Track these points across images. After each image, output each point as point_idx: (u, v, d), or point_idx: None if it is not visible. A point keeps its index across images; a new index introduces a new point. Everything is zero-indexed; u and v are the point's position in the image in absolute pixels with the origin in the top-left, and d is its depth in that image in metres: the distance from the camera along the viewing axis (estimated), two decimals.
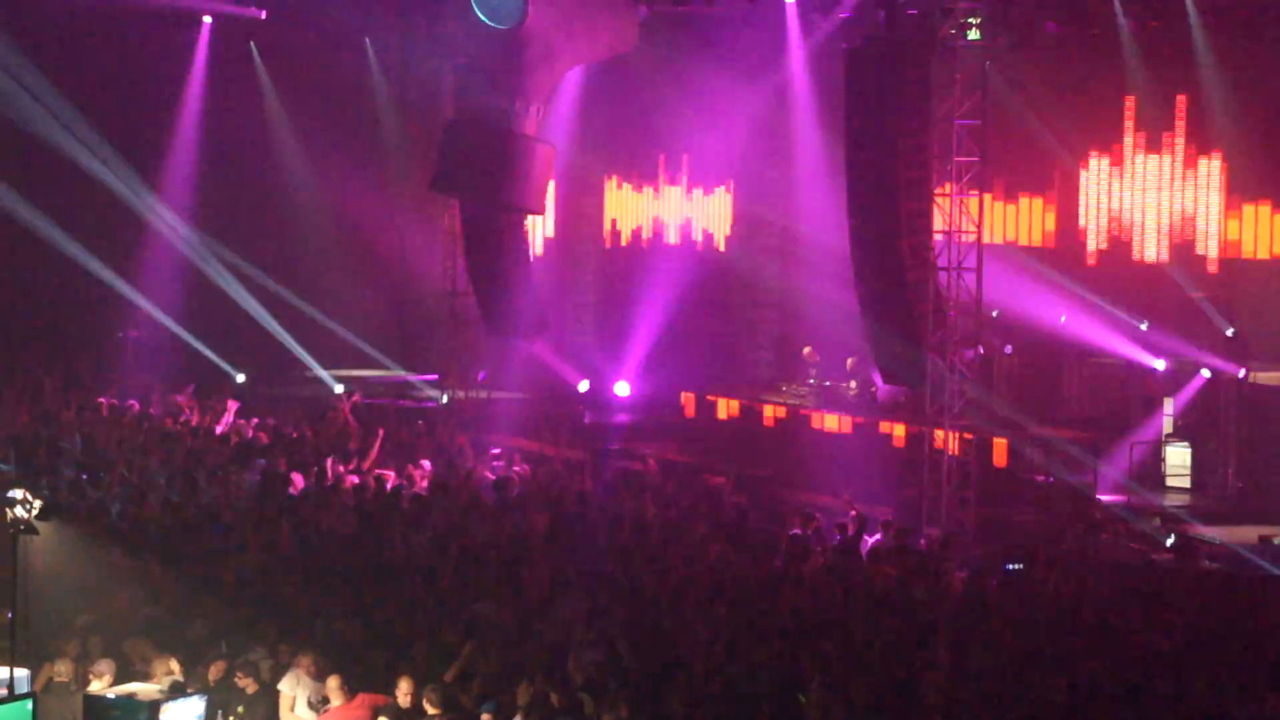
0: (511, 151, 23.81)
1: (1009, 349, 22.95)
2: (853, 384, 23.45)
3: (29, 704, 11.55)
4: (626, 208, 29.21)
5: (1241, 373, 21.57)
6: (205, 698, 11.99)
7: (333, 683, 12.14)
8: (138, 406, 23.94)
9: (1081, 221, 23.64)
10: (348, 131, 30.45)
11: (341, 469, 19.70)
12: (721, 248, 27.90)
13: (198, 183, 30.16)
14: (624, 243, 29.28)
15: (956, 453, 20.06)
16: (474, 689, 12.17)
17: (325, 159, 30.46)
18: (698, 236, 28.32)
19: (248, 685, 12.47)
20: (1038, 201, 24.08)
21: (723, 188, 27.95)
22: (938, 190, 20.31)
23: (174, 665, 12.49)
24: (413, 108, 29.62)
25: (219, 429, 22.20)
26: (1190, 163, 22.72)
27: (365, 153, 30.50)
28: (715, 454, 23.36)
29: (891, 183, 20.23)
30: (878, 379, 22.35)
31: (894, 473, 21.24)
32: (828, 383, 23.89)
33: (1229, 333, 21.98)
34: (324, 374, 28.51)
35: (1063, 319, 23.11)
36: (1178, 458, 21.55)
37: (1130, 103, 23.08)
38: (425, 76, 28.65)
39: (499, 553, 15.96)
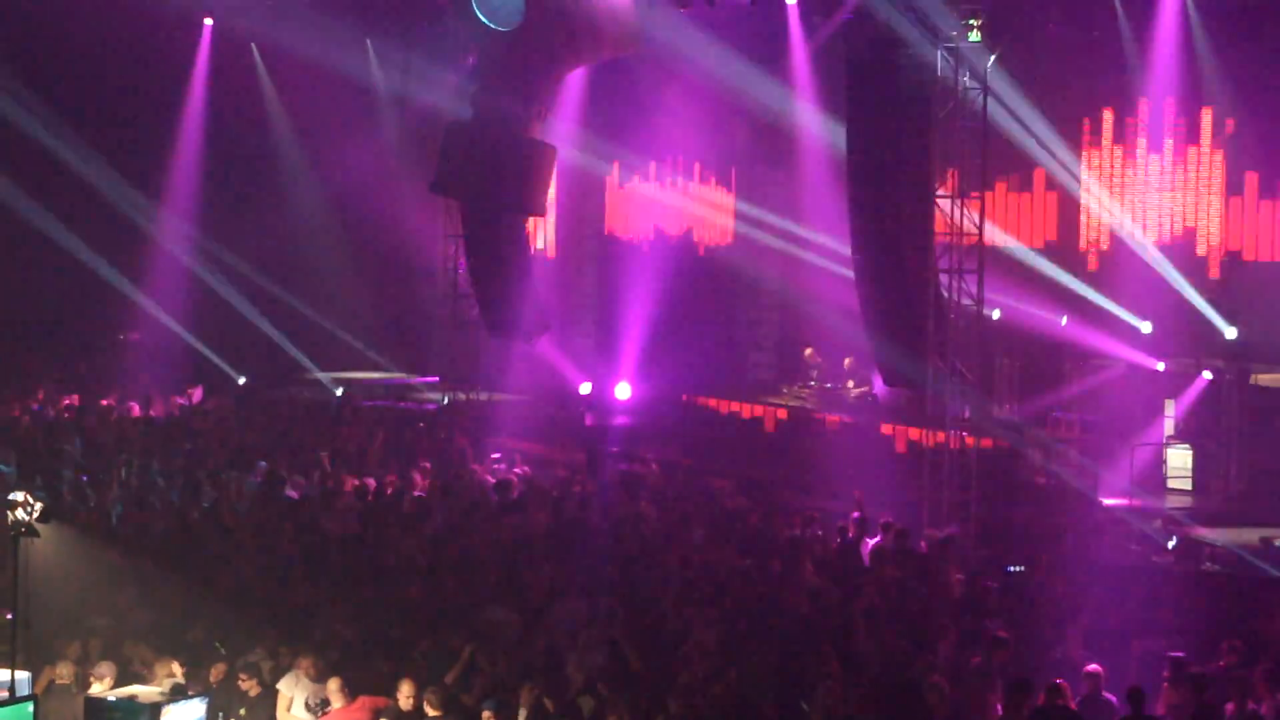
0: (512, 153, 23.81)
1: (1009, 351, 22.96)
2: (850, 384, 23.45)
3: (30, 706, 11.54)
4: (627, 209, 29.20)
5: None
6: (206, 700, 11.98)
7: (333, 685, 12.14)
8: (138, 409, 23.96)
9: (1083, 220, 23.62)
10: (349, 133, 30.47)
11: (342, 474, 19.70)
12: (722, 249, 27.88)
13: (198, 184, 30.19)
14: (625, 244, 29.26)
15: (957, 455, 20.05)
16: (476, 691, 12.16)
17: (326, 160, 30.51)
18: (699, 238, 28.30)
19: (250, 688, 12.48)
20: (1039, 202, 24.06)
21: (724, 188, 27.94)
22: (939, 192, 20.31)
23: (175, 668, 12.49)
24: (414, 110, 29.62)
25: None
26: (1190, 160, 22.71)
27: (366, 155, 30.50)
28: (716, 456, 23.35)
29: (893, 184, 20.23)
30: (877, 380, 22.35)
31: (894, 475, 21.23)
32: (829, 384, 23.89)
33: (1230, 334, 21.96)
34: (323, 376, 28.54)
35: (1064, 321, 23.09)
36: (1179, 460, 21.53)
37: (1131, 104, 23.07)
38: (426, 79, 28.64)
39: (500, 555, 15.97)
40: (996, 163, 21.33)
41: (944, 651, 13.00)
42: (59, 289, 28.80)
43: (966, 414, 20.16)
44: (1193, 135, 22.64)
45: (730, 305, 27.88)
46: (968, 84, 19.73)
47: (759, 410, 24.37)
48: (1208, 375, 21.69)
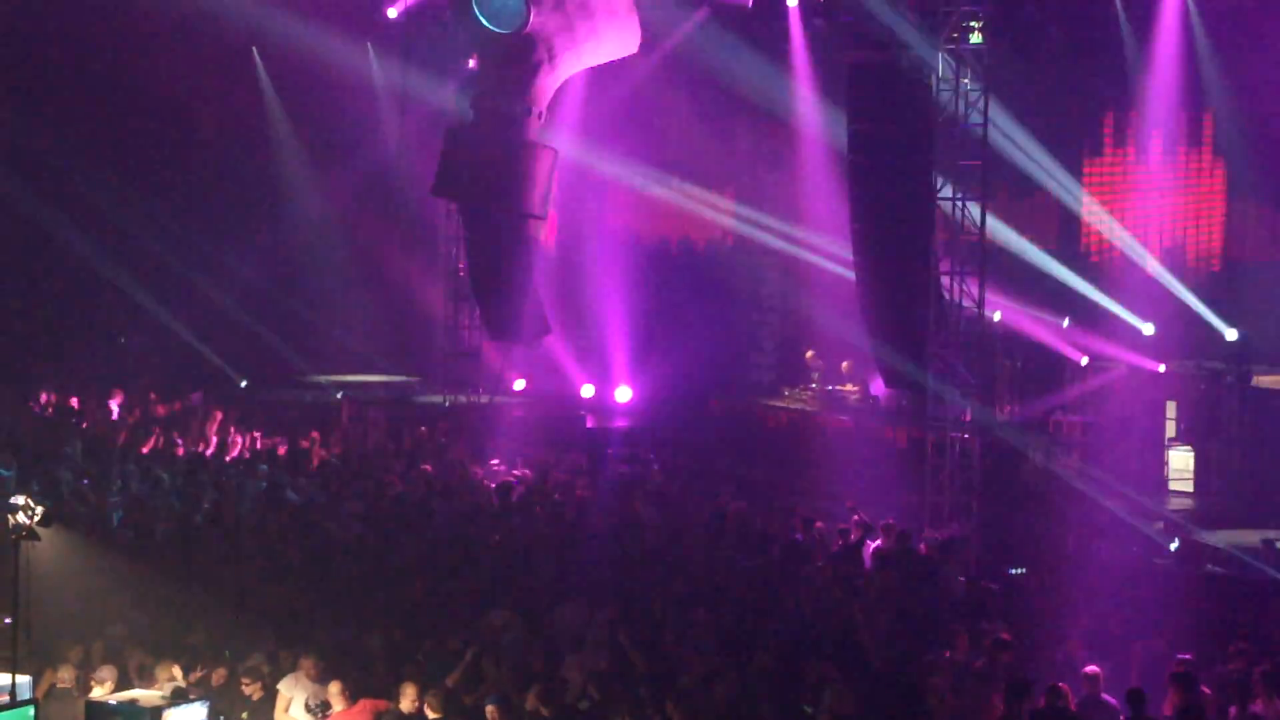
0: (514, 156, 23.80)
1: (1010, 352, 22.95)
2: (849, 385, 23.45)
3: (31, 710, 11.54)
4: (628, 211, 29.18)
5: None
6: (207, 703, 11.98)
7: (334, 688, 12.12)
8: (138, 412, 23.95)
9: (1084, 224, 23.62)
10: (350, 136, 30.47)
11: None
12: (723, 251, 27.87)
13: (199, 186, 30.18)
14: (626, 247, 29.24)
15: (958, 457, 20.05)
16: (477, 693, 12.15)
17: (327, 163, 30.51)
18: (699, 240, 28.29)
19: (253, 691, 12.47)
20: (1040, 205, 24.05)
21: (724, 190, 27.93)
22: (940, 194, 20.31)
23: (176, 671, 12.48)
24: (414, 113, 29.62)
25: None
26: (1191, 165, 22.71)
27: (367, 157, 30.51)
28: (718, 459, 23.35)
29: (893, 186, 20.23)
30: (877, 382, 22.35)
31: (895, 477, 21.23)
32: (830, 387, 23.88)
33: (1231, 336, 21.95)
34: (323, 379, 28.54)
35: (1065, 322, 23.09)
36: (1180, 461, 21.53)
37: (1132, 108, 23.07)
38: (427, 82, 28.64)
39: (501, 558, 15.97)
40: (997, 166, 21.34)
41: (957, 654, 12.98)
42: (60, 290, 28.80)
43: (967, 416, 20.16)
44: (1194, 140, 22.62)
45: (731, 307, 27.86)
46: (969, 86, 19.74)
47: (760, 412, 24.38)
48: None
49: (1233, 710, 12.02)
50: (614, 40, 24.19)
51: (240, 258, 29.83)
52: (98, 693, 12.21)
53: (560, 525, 17.53)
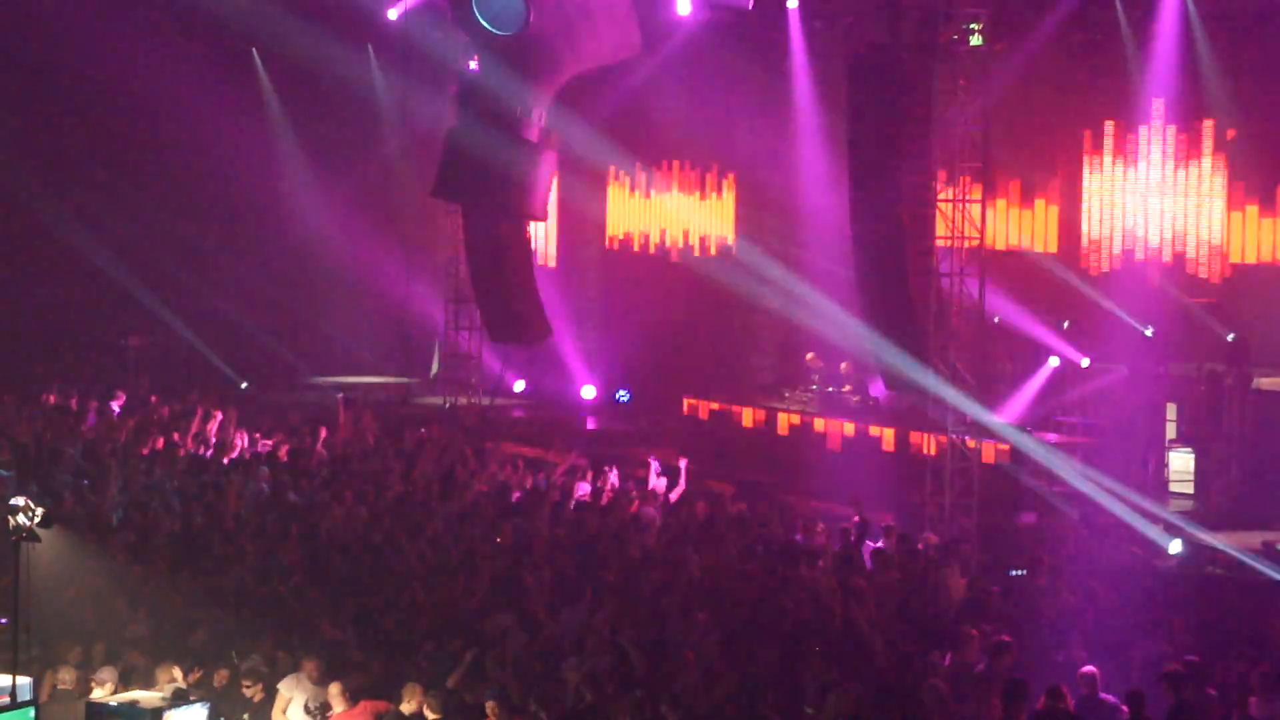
0: (514, 158, 23.82)
1: (1010, 354, 22.93)
2: (849, 388, 23.44)
3: (31, 712, 11.54)
4: (629, 213, 29.19)
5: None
6: (208, 705, 11.97)
7: (334, 689, 12.11)
8: (139, 413, 23.95)
9: (1084, 227, 23.60)
10: (350, 138, 30.50)
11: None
12: (723, 253, 27.86)
13: (200, 187, 30.21)
14: (626, 248, 29.25)
15: (959, 459, 20.04)
16: (477, 694, 12.15)
17: (328, 165, 30.54)
18: (699, 241, 28.28)
19: (254, 693, 12.47)
20: (1040, 207, 24.04)
21: (725, 191, 27.91)
22: (940, 196, 20.31)
23: (176, 673, 12.47)
24: (415, 113, 29.65)
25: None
26: (1193, 158, 22.67)
27: (368, 159, 30.54)
28: (718, 460, 23.34)
29: (894, 188, 20.25)
30: (876, 384, 22.34)
31: (896, 478, 21.22)
32: (830, 389, 23.87)
33: (1230, 338, 21.93)
34: (323, 381, 28.56)
35: (1065, 324, 23.08)
36: (1181, 463, 21.51)
37: (1132, 111, 23.04)
38: (428, 84, 28.66)
39: (502, 559, 15.96)
40: (998, 167, 21.34)
41: (967, 656, 12.96)
42: (61, 292, 28.82)
43: (968, 418, 20.16)
44: (1194, 144, 22.59)
45: (731, 309, 27.85)
46: (969, 89, 19.75)
47: (761, 414, 24.35)
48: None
49: (1235, 713, 12.01)
50: (614, 42, 24.21)
51: (241, 259, 29.87)
52: (98, 694, 12.21)
53: (561, 526, 17.53)
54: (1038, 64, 22.73)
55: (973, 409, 20.24)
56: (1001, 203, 23.17)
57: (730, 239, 27.81)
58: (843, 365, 23.69)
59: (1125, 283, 23.00)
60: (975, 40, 20.08)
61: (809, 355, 24.65)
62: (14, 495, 12.27)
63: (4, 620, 11.97)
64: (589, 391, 27.67)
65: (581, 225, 29.81)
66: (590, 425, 26.50)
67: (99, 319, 29.15)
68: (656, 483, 19.94)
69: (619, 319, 29.26)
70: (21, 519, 11.74)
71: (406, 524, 17.29)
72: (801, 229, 25.82)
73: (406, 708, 11.86)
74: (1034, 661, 12.90)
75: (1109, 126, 23.21)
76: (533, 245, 26.95)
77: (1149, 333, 22.53)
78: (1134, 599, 15.19)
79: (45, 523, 11.90)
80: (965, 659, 12.92)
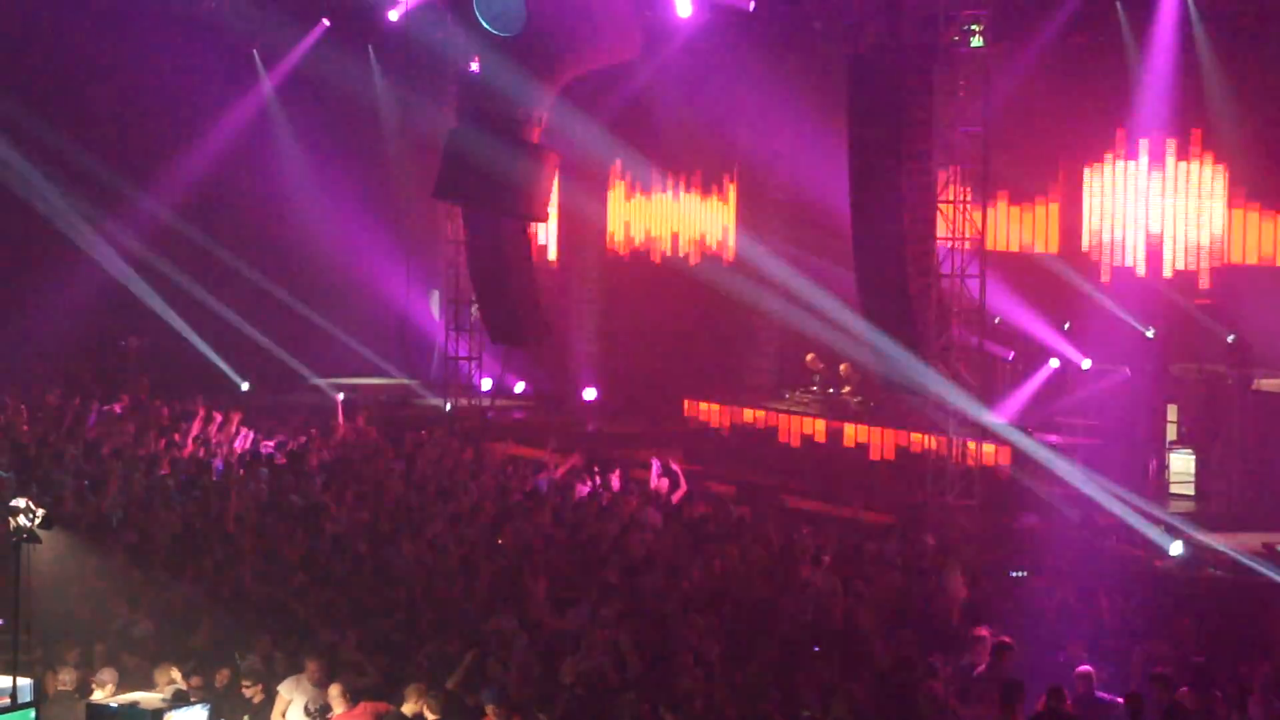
0: (515, 159, 23.83)
1: (1011, 355, 22.91)
2: (849, 389, 23.44)
3: (32, 713, 11.54)
4: (629, 213, 29.16)
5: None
6: (208, 706, 11.97)
7: (334, 691, 12.10)
8: (140, 414, 23.97)
9: (1085, 228, 23.56)
10: (351, 138, 30.50)
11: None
12: (723, 254, 27.84)
13: (201, 188, 30.22)
14: (627, 249, 29.23)
15: (960, 460, 20.05)
16: (477, 696, 12.14)
17: (328, 165, 30.55)
18: (700, 242, 28.24)
19: (254, 694, 12.46)
20: (1041, 208, 24.02)
21: (725, 194, 27.89)
22: (941, 197, 20.31)
23: (175, 674, 12.46)
24: (416, 114, 29.65)
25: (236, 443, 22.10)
26: (1192, 173, 22.65)
27: (368, 159, 30.54)
28: (720, 461, 23.34)
29: (895, 190, 20.25)
30: (877, 385, 22.34)
31: (897, 479, 21.22)
32: (830, 390, 23.87)
33: (1230, 339, 21.91)
34: (323, 382, 28.57)
35: (1066, 326, 23.06)
36: (1182, 464, 21.51)
37: (1134, 108, 23.02)
38: (428, 84, 28.67)
39: (502, 561, 15.96)
40: (999, 169, 21.33)
41: (974, 659, 12.96)
42: (63, 291, 28.83)
43: (969, 419, 20.17)
44: (1195, 145, 22.56)
45: (732, 310, 27.82)
46: (970, 91, 19.77)
47: (761, 415, 24.36)
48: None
49: (1235, 715, 12.01)
50: (614, 43, 24.22)
51: (241, 260, 29.87)
52: (98, 695, 12.20)
53: (562, 528, 17.53)
54: (1039, 65, 22.70)
55: (973, 410, 20.25)
56: (1002, 204, 23.13)
57: (731, 240, 27.77)
58: (842, 367, 23.69)
59: (1126, 284, 22.98)
60: (976, 41, 20.10)
61: (809, 356, 24.64)
62: (14, 496, 12.25)
63: (0, 621, 11.96)
64: (591, 393, 27.67)
65: (582, 225, 29.79)
66: (590, 427, 26.49)
67: (100, 319, 29.14)
68: (658, 484, 19.96)
69: (619, 319, 29.25)
70: (22, 520, 11.74)
71: (407, 525, 17.29)
72: (802, 229, 25.79)
73: (408, 709, 11.84)
74: (1034, 662, 12.90)
75: (1109, 128, 23.18)
76: (532, 246, 26.94)
77: (1150, 334, 22.52)
78: (1135, 600, 15.20)
79: (46, 524, 11.89)
80: (972, 660, 12.92)
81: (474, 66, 25.47)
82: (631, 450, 23.84)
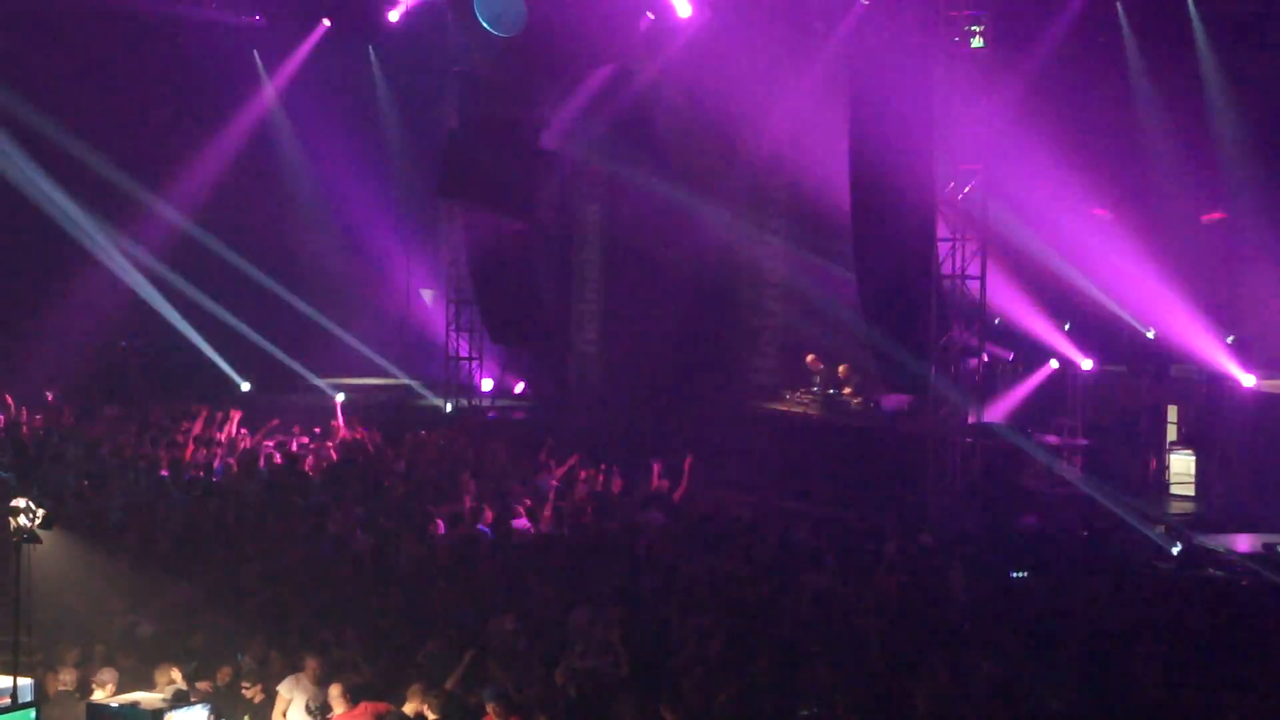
0: (517, 160, 23.86)
1: (1011, 356, 22.93)
2: (848, 389, 23.45)
3: (32, 713, 11.54)
4: (631, 215, 29.13)
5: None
6: (209, 706, 11.97)
7: (335, 690, 12.10)
8: (141, 415, 23.98)
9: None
10: (352, 139, 30.50)
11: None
12: (723, 254, 27.82)
13: (202, 189, 30.22)
14: (628, 250, 29.21)
15: (960, 460, 20.06)
16: (476, 695, 12.14)
17: (329, 166, 30.55)
18: (700, 242, 28.21)
19: (254, 694, 12.46)
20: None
21: (727, 193, 27.87)
22: (942, 197, 20.33)
23: (175, 674, 12.47)
24: (417, 115, 29.67)
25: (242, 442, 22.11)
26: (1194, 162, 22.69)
27: (369, 160, 30.53)
28: (722, 463, 23.33)
29: (895, 191, 20.27)
30: (877, 385, 22.36)
31: (897, 480, 21.23)
32: (831, 390, 23.88)
33: (1229, 340, 21.94)
34: (322, 383, 28.57)
35: (1067, 326, 23.08)
36: (1182, 465, 21.53)
37: (1134, 110, 23.04)
38: (429, 85, 28.69)
39: (504, 561, 15.98)
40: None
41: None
42: (64, 291, 28.85)
43: (970, 419, 20.18)
44: (1195, 144, 22.55)
45: (732, 310, 27.82)
46: (970, 92, 19.80)
47: (761, 415, 24.36)
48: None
49: None
50: (615, 44, 24.25)
51: (241, 260, 29.87)
52: (99, 695, 12.20)
53: (563, 529, 17.55)
54: (1040, 66, 22.72)
55: (974, 410, 20.26)
56: (1003, 204, 23.11)
57: (730, 239, 27.75)
58: (841, 368, 23.68)
59: (1127, 285, 23.00)
60: (977, 43, 20.12)
61: (809, 357, 24.65)
62: (15, 496, 12.26)
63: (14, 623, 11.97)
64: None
65: (583, 226, 29.76)
66: (589, 427, 26.45)
67: (101, 319, 29.14)
68: (659, 484, 19.96)
69: (619, 320, 29.23)
70: (23, 520, 11.74)
71: (407, 525, 17.30)
72: (802, 230, 25.80)
73: (409, 709, 11.84)
74: (1033, 664, 12.91)
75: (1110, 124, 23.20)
76: (533, 246, 26.93)
77: (1151, 334, 22.53)
78: (1134, 601, 15.21)
79: (46, 524, 11.90)
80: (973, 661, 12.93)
81: (474, 67, 25.46)
82: (633, 450, 23.82)
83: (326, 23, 29.11)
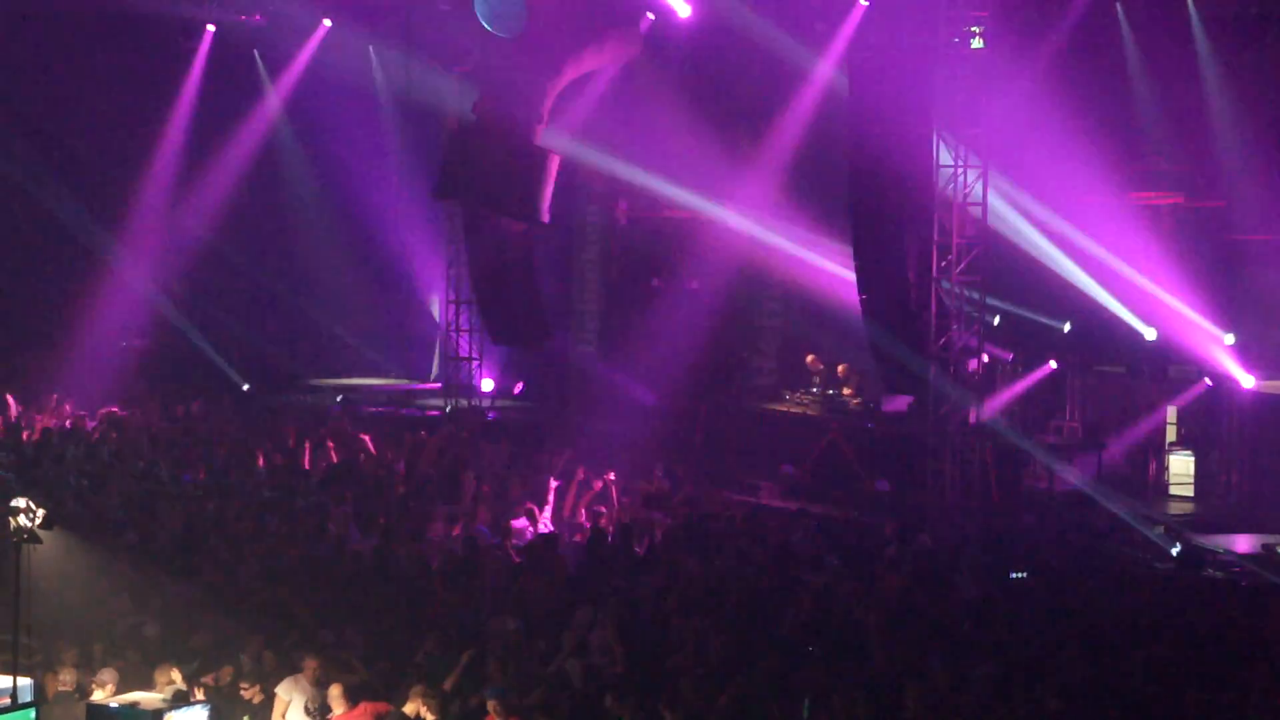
0: (516, 160, 23.82)
1: (1010, 356, 22.93)
2: (848, 391, 23.45)
3: (32, 713, 11.55)
4: (632, 214, 29.13)
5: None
6: (208, 707, 11.98)
7: (335, 691, 12.10)
8: (140, 416, 23.98)
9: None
10: (352, 139, 30.48)
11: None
12: (723, 254, 27.80)
13: (201, 188, 30.22)
14: (629, 249, 29.21)
15: (959, 461, 20.06)
16: (475, 696, 12.15)
17: (329, 166, 30.54)
18: (700, 242, 28.20)
19: (253, 695, 12.47)
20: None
21: (726, 193, 27.87)
22: (942, 199, 20.33)
23: (175, 675, 12.47)
24: (416, 116, 29.65)
25: None
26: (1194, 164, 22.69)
27: (369, 160, 30.52)
28: (720, 463, 23.33)
29: (895, 191, 20.28)
30: (876, 386, 22.36)
31: (897, 481, 21.22)
32: (831, 391, 23.88)
33: (1228, 340, 21.95)
34: (323, 383, 28.57)
35: (1066, 327, 23.08)
36: (1181, 466, 21.53)
37: (1135, 111, 23.05)
38: (429, 85, 28.67)
39: (504, 562, 15.98)
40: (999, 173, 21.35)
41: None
42: (66, 291, 28.86)
43: (969, 420, 20.18)
44: (1196, 145, 22.57)
45: (732, 311, 27.80)
46: (970, 92, 19.80)
47: (761, 415, 24.36)
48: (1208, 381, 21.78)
49: None
50: (615, 45, 24.24)
51: (241, 261, 29.87)
52: (98, 695, 12.21)
53: (560, 528, 17.57)
54: (1040, 67, 22.73)
55: (974, 411, 20.27)
56: (1003, 205, 23.13)
57: (731, 238, 27.73)
58: (840, 367, 23.68)
59: (1127, 286, 23.02)
60: (976, 43, 20.12)
61: (809, 357, 24.65)
62: (15, 496, 12.27)
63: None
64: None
65: (582, 227, 29.75)
66: (589, 428, 26.44)
67: (102, 320, 29.14)
68: (660, 485, 19.97)
69: (619, 320, 29.22)
70: (23, 520, 11.75)
71: (407, 526, 17.31)
72: (802, 230, 25.77)
73: (409, 709, 11.85)
74: (1033, 664, 12.91)
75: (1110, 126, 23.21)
76: (532, 247, 26.90)
77: (1152, 335, 22.54)
78: (1133, 601, 15.21)
79: (46, 524, 11.90)
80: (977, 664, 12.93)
81: (474, 66, 25.42)
82: (633, 452, 23.83)
83: (327, 23, 29.09)
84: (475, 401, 27.05)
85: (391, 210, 30.70)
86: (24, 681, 11.98)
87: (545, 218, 25.27)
